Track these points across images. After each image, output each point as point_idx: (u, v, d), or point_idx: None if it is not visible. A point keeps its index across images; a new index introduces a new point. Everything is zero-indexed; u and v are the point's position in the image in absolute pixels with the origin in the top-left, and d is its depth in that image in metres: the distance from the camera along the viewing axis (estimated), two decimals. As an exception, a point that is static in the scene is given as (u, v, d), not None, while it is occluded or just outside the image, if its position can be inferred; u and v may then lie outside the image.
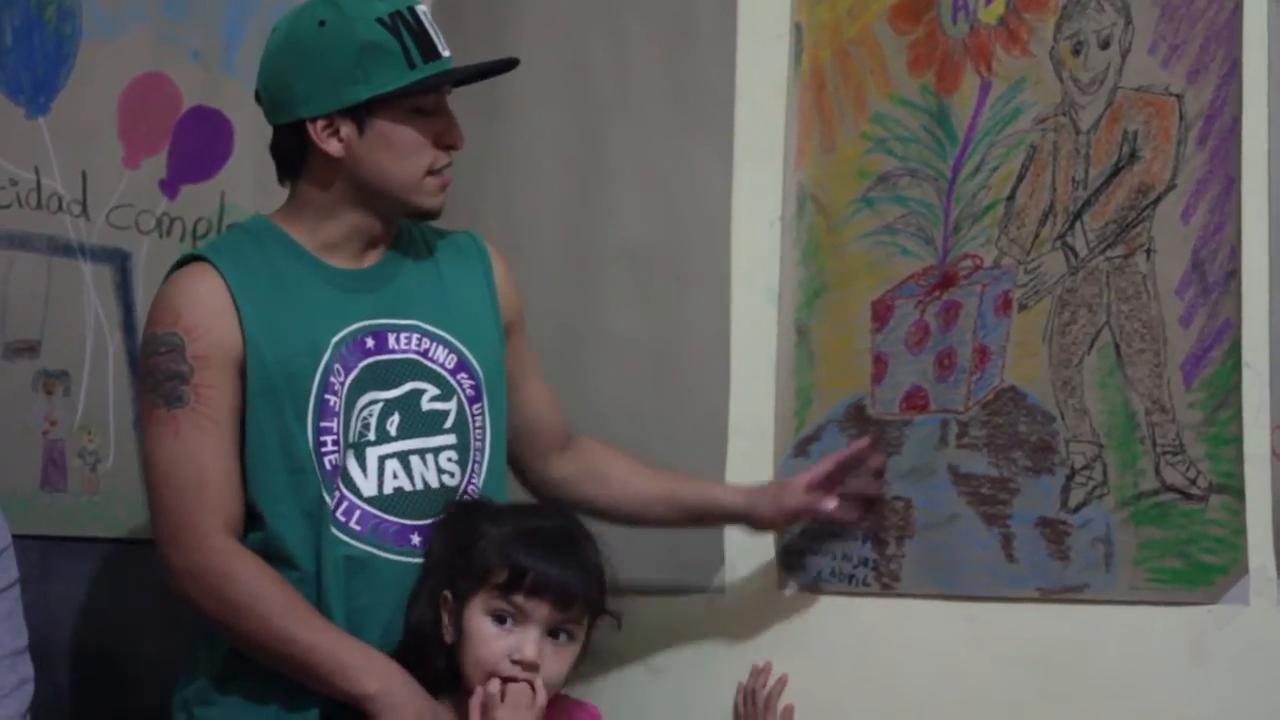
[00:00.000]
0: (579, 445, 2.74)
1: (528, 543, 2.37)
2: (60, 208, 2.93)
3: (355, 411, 2.47)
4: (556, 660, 2.38)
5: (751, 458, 2.79)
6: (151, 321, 2.48)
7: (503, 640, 2.35)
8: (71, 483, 2.92)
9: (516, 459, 2.68)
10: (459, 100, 2.62)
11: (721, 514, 2.71)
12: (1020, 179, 2.56)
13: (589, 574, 2.40)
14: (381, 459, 2.48)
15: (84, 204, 2.96)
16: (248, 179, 3.10)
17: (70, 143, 2.94)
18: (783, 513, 2.65)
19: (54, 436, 2.90)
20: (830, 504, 2.63)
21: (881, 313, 2.68)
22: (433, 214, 2.54)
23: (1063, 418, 2.47)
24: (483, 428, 2.55)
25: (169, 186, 3.06)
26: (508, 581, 2.35)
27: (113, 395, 2.95)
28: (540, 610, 2.35)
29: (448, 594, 2.39)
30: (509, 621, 2.35)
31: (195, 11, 3.10)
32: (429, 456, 2.51)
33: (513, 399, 2.64)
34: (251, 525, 2.45)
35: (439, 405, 2.52)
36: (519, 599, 2.35)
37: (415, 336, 2.52)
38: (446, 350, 2.54)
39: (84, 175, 2.96)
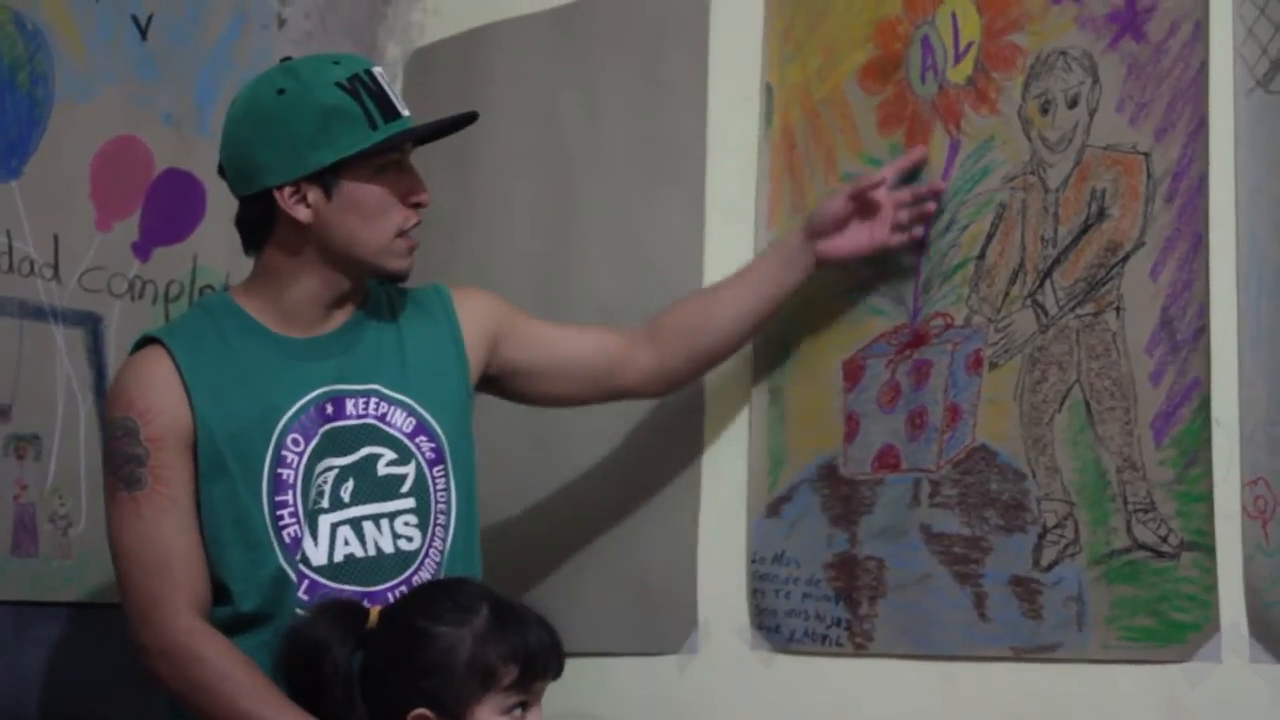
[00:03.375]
0: (656, 330, 2.71)
1: (518, 629, 2.27)
2: (32, 271, 2.92)
3: (313, 479, 2.47)
4: None
5: (723, 518, 2.79)
6: (108, 406, 2.51)
7: None
8: (43, 547, 2.90)
9: (620, 390, 2.72)
10: (431, 157, 2.63)
11: (795, 286, 2.69)
12: (990, 237, 2.56)
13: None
14: (334, 526, 2.47)
15: (56, 267, 2.95)
16: (220, 242, 3.09)
17: (42, 206, 2.93)
18: (828, 260, 2.65)
19: (25, 501, 2.89)
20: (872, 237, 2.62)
21: (853, 372, 2.68)
22: (401, 276, 2.54)
23: (1034, 476, 2.47)
24: (445, 490, 2.54)
25: (141, 249, 3.06)
26: (521, 676, 2.26)
27: (84, 459, 2.93)
28: (545, 685, 2.31)
29: (426, 712, 2.25)
30: (519, 710, 2.27)
31: (168, 74, 3.10)
32: (384, 522, 2.50)
33: (566, 356, 2.68)
34: (219, 599, 2.44)
35: (396, 470, 2.51)
36: (537, 685, 2.29)
37: (374, 401, 2.52)
38: (405, 414, 2.53)
39: (56, 238, 2.95)
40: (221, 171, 2.55)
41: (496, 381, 2.70)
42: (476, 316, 2.64)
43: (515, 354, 2.68)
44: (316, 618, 2.33)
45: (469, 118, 2.59)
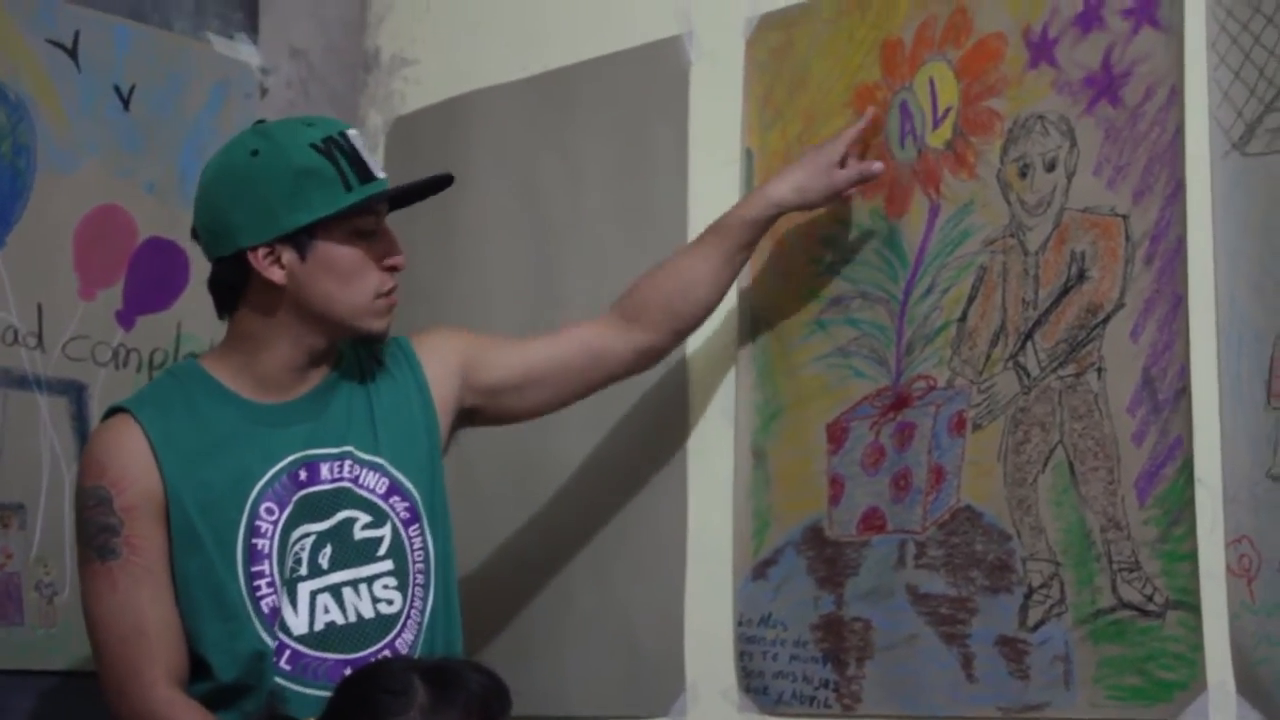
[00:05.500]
0: (635, 311, 2.70)
1: (457, 685, 2.19)
2: (16, 340, 2.93)
3: (289, 547, 2.46)
4: None
5: (710, 581, 2.79)
6: (80, 476, 2.50)
7: None
8: (28, 616, 2.89)
9: (606, 379, 2.71)
10: (414, 223, 2.64)
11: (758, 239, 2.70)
12: (971, 300, 2.58)
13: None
14: (313, 594, 2.46)
15: (40, 336, 2.95)
16: (204, 309, 3.04)
17: (26, 276, 2.94)
18: (824, 199, 2.66)
19: (9, 570, 2.88)
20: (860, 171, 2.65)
21: (837, 434, 2.70)
22: (380, 337, 2.54)
23: (1019, 536, 2.48)
24: (423, 549, 2.53)
25: (125, 318, 3.06)
26: None
27: (69, 527, 2.90)
28: None
29: None
30: None
31: (150, 144, 3.11)
32: (363, 586, 2.49)
33: (547, 363, 2.66)
34: (199, 674, 2.43)
35: (371, 533, 2.50)
36: None
37: (347, 464, 2.51)
38: (377, 475, 2.52)
39: (39, 307, 2.95)
40: (195, 235, 2.55)
41: (481, 410, 2.68)
42: (440, 357, 2.63)
43: (491, 376, 2.66)
44: None
45: (444, 180, 2.59)
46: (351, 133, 2.50)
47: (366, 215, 2.49)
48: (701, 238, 2.71)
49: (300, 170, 2.44)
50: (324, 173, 2.44)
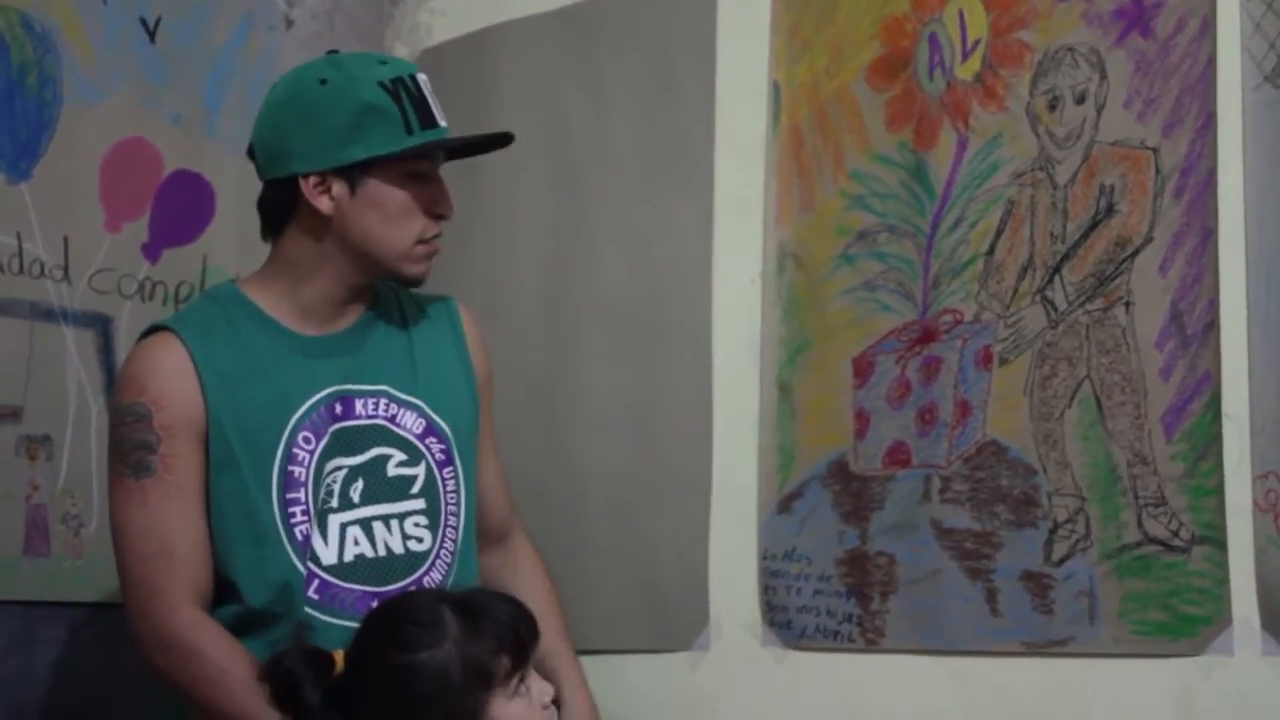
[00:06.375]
0: (512, 545, 2.69)
1: (487, 615, 2.23)
2: (42, 273, 2.93)
3: (322, 478, 2.46)
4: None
5: (734, 515, 2.80)
6: (118, 392, 2.49)
7: (533, 709, 2.25)
8: (55, 547, 2.91)
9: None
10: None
11: None
12: (999, 234, 2.57)
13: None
14: (343, 526, 2.46)
15: (66, 269, 2.96)
16: (230, 242, 3.10)
17: (52, 208, 2.94)
18: None
19: (37, 501, 2.90)
20: None
21: (863, 369, 2.69)
22: (416, 281, 2.53)
23: (1045, 471, 2.48)
24: (456, 491, 2.54)
25: (151, 250, 3.07)
26: (514, 658, 2.24)
27: (95, 459, 2.93)
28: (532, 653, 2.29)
29: None
30: (522, 685, 2.26)
31: (176, 76, 3.11)
32: (394, 522, 2.49)
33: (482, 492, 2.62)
34: (227, 597, 2.43)
35: (406, 470, 2.51)
36: (530, 654, 2.26)
37: (383, 402, 2.51)
38: (415, 415, 2.52)
39: (66, 240, 2.96)
40: (251, 153, 2.54)
41: None
42: (479, 358, 2.64)
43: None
44: (290, 653, 2.25)
45: (505, 139, 2.60)
46: (421, 77, 2.50)
47: (422, 160, 2.49)
48: (562, 663, 2.59)
49: (365, 106, 2.44)
50: (388, 111, 2.44)
